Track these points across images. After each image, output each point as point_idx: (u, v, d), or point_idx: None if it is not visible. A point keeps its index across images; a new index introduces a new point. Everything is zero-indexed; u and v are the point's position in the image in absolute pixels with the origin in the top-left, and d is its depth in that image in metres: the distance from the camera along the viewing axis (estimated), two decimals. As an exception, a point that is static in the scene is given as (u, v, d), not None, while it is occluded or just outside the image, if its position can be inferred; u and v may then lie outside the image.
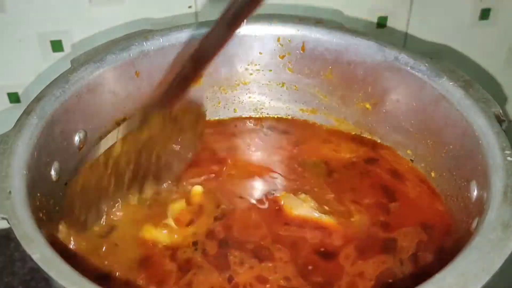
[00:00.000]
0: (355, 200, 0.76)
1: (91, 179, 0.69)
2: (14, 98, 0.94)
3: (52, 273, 0.51)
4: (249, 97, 0.88)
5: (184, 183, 0.78)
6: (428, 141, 0.77)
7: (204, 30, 0.80)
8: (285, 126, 0.88)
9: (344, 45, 0.80)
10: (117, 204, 0.72)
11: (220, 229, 0.72)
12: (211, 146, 0.84)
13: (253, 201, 0.76)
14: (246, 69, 0.85)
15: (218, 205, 0.75)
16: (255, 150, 0.85)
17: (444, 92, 0.72)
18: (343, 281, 0.66)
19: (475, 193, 0.66)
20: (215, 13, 0.91)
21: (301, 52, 0.83)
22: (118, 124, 0.79)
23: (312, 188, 0.78)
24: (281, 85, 0.87)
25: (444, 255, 0.67)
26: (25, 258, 1.00)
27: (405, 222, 0.73)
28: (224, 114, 0.88)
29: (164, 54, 0.80)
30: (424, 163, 0.78)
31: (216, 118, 0.88)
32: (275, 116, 0.89)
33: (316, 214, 0.73)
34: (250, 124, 0.89)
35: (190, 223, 0.73)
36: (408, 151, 0.80)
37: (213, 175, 0.80)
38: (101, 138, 0.75)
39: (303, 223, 0.73)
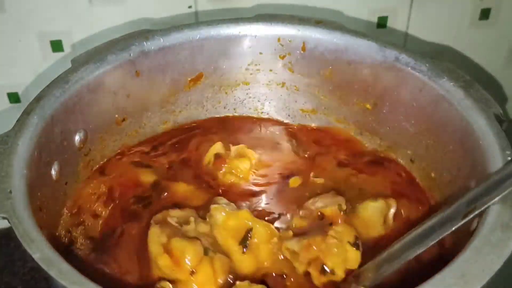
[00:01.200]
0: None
1: None
2: (14, 98, 0.94)
3: (53, 273, 0.52)
4: (250, 97, 0.88)
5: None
6: (428, 141, 0.77)
7: (204, 30, 0.81)
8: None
9: (344, 45, 0.80)
10: None
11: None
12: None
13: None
14: (247, 69, 0.85)
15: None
16: (254, 150, 0.85)
17: (444, 92, 0.72)
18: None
19: (475, 193, 0.66)
20: (215, 13, 0.92)
21: (302, 52, 0.83)
22: (118, 124, 0.79)
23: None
24: (281, 85, 0.87)
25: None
26: (25, 257, 0.99)
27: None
28: (224, 114, 0.88)
29: (164, 54, 0.80)
30: (424, 163, 0.78)
31: (216, 117, 0.88)
32: (275, 116, 0.89)
33: None
34: (250, 124, 0.89)
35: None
36: (408, 151, 0.80)
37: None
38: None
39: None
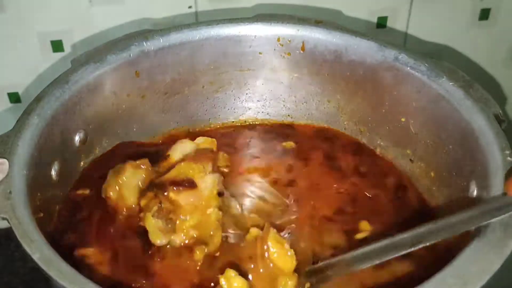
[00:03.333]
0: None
1: None
2: (14, 98, 0.94)
3: (52, 273, 0.52)
4: (249, 97, 0.88)
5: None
6: (428, 141, 0.77)
7: (203, 30, 0.81)
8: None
9: (344, 45, 0.80)
10: None
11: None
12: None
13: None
14: (248, 69, 0.85)
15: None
16: (254, 149, 0.85)
17: (444, 92, 0.72)
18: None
19: (474, 193, 0.66)
20: (215, 13, 0.92)
21: (301, 52, 0.83)
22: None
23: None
24: (281, 85, 0.87)
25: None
26: (26, 257, 0.99)
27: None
28: (224, 113, 0.88)
29: (164, 54, 0.80)
30: (424, 163, 0.78)
31: (216, 117, 0.88)
32: (275, 116, 0.89)
33: None
34: (249, 124, 0.89)
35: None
36: (408, 151, 0.80)
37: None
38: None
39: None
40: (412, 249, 0.59)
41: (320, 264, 0.66)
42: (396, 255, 0.60)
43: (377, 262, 0.61)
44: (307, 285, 0.64)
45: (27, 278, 0.97)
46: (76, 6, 0.88)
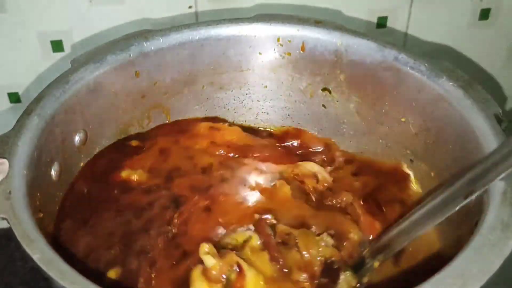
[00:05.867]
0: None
1: None
2: (14, 98, 0.94)
3: (52, 273, 0.52)
4: (249, 97, 0.88)
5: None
6: (428, 141, 0.77)
7: (203, 31, 0.81)
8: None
9: (343, 45, 0.80)
10: None
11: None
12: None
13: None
14: (248, 69, 0.85)
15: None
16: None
17: (443, 92, 0.72)
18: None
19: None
20: (215, 13, 0.92)
21: (301, 52, 0.83)
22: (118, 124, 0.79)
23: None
24: (281, 85, 0.87)
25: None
26: (26, 257, 0.99)
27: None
28: (224, 113, 0.88)
29: (164, 54, 0.80)
30: (424, 163, 0.78)
31: (216, 117, 0.88)
32: (275, 116, 0.89)
33: None
34: (249, 123, 0.89)
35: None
36: (408, 151, 0.80)
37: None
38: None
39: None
40: (467, 200, 0.58)
41: (382, 240, 0.69)
42: (452, 211, 0.60)
43: (436, 222, 0.62)
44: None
45: (27, 278, 0.97)
46: (76, 6, 0.88)
